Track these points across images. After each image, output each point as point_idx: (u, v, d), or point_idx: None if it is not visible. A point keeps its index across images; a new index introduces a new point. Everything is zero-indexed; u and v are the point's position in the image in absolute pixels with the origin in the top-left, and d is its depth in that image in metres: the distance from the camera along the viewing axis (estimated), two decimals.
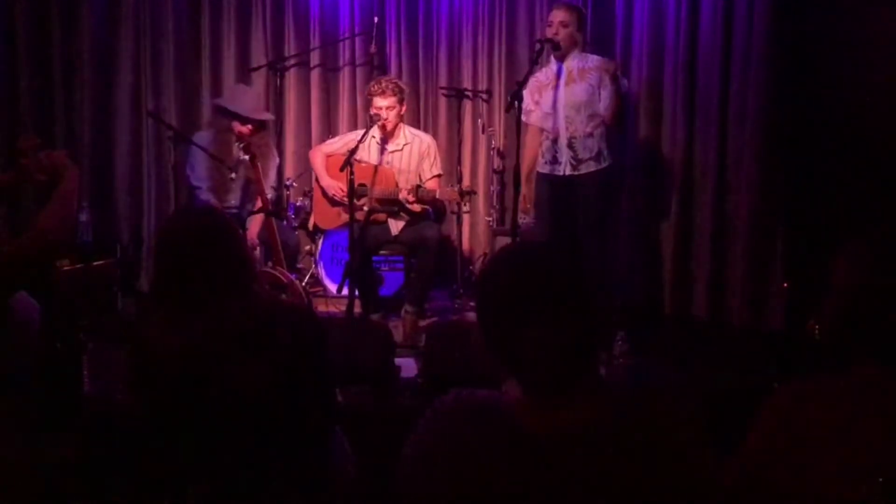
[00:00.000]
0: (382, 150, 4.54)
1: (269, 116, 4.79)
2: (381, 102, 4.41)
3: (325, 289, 4.94)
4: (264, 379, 1.80)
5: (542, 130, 4.24)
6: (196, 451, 1.83)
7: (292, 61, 5.45)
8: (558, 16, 4.07)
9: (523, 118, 4.24)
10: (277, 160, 4.90)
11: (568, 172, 4.12)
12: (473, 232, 5.52)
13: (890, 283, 1.36)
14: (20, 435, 2.08)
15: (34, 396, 2.20)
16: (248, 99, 4.66)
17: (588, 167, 4.10)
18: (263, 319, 1.86)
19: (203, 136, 4.62)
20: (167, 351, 1.82)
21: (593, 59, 4.11)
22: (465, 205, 4.76)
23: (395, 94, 4.41)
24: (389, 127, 4.45)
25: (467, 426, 1.27)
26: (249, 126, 4.45)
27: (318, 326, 1.98)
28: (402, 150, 4.55)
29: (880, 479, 1.25)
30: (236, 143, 4.45)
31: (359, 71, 5.50)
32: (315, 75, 5.53)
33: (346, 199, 4.22)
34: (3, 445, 2.04)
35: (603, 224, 4.19)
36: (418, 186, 4.38)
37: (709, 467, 1.26)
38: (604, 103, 4.06)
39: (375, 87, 4.45)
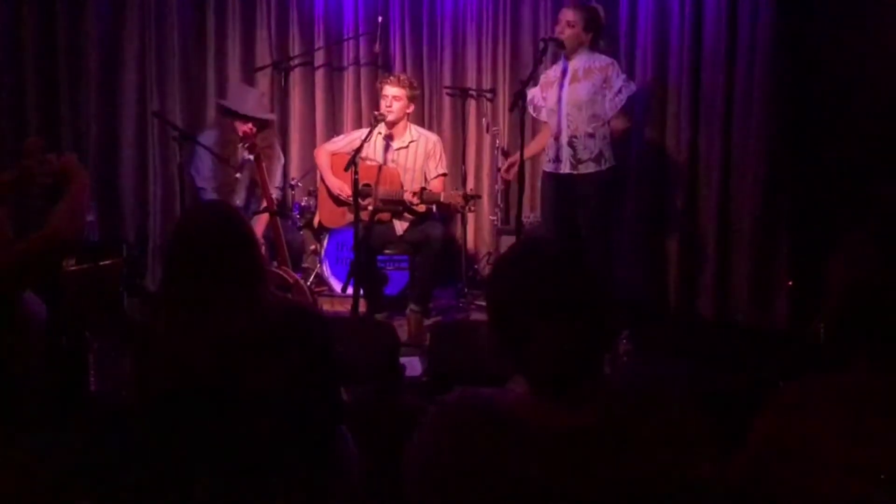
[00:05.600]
0: (387, 148, 4.55)
1: (271, 116, 4.80)
2: (390, 90, 4.42)
3: (329, 288, 4.95)
4: (272, 378, 1.81)
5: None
6: (202, 449, 1.84)
7: (297, 61, 5.46)
8: (566, 14, 4.09)
9: (534, 114, 4.28)
10: (283, 160, 4.92)
11: (568, 171, 4.13)
12: (478, 231, 5.52)
13: (887, 279, 1.36)
14: (26, 433, 2.09)
15: (40, 395, 2.21)
16: (250, 98, 4.68)
17: (587, 168, 4.10)
18: (272, 319, 1.87)
19: (207, 136, 4.65)
20: (175, 350, 1.83)
21: (600, 60, 4.10)
22: (469, 208, 4.76)
23: (403, 87, 4.43)
24: (391, 118, 4.44)
25: (473, 423, 1.27)
26: (251, 125, 4.46)
27: (325, 326, 1.99)
28: (407, 147, 4.56)
29: (882, 476, 1.25)
30: (241, 143, 4.46)
31: (363, 71, 5.51)
32: (319, 75, 5.54)
33: (350, 198, 4.23)
34: (9, 444, 2.05)
35: (603, 224, 4.18)
36: (423, 189, 4.39)
37: (713, 466, 1.26)
38: (609, 104, 4.07)
39: (389, 76, 4.52)
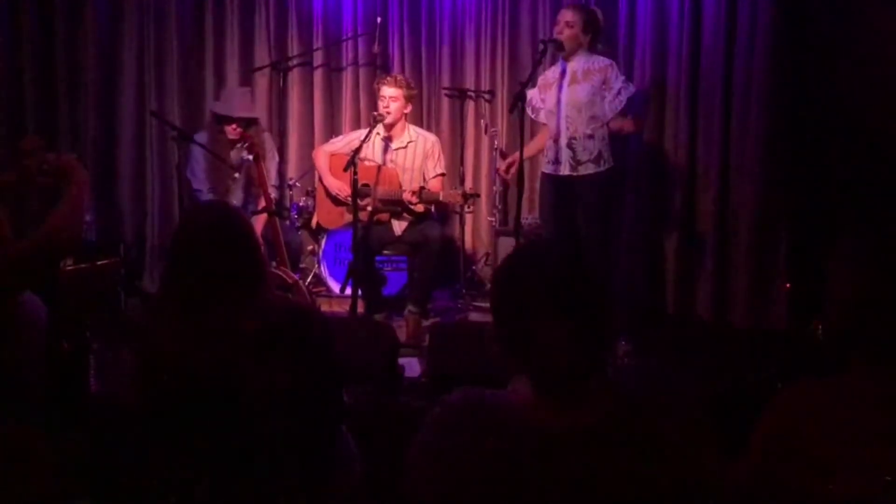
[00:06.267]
0: (386, 148, 4.55)
1: (252, 113, 4.74)
2: (387, 91, 4.43)
3: (328, 288, 4.95)
4: (273, 379, 1.80)
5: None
6: (202, 450, 1.84)
7: (295, 61, 5.46)
8: (565, 15, 4.09)
9: (532, 116, 4.28)
10: (277, 158, 4.91)
11: (567, 172, 4.14)
12: (476, 232, 5.52)
13: (887, 283, 1.36)
14: (26, 434, 2.09)
15: (40, 396, 2.21)
16: (234, 99, 4.68)
17: (587, 169, 4.11)
18: (273, 320, 1.87)
19: (199, 139, 4.63)
20: (175, 351, 1.83)
21: (599, 61, 4.11)
22: (468, 207, 4.77)
23: (401, 88, 4.44)
24: (389, 120, 4.45)
25: (476, 424, 1.28)
26: (234, 125, 4.44)
27: (326, 327, 1.98)
28: (406, 147, 4.56)
29: (888, 479, 1.25)
30: (239, 144, 4.46)
31: (362, 71, 5.50)
32: (318, 75, 5.54)
33: (349, 198, 4.23)
34: (9, 445, 2.04)
35: (602, 225, 4.19)
36: (422, 188, 4.39)
37: (714, 468, 1.26)
38: (608, 106, 4.07)
39: (386, 77, 4.53)
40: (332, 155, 4.63)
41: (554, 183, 4.20)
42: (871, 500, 1.27)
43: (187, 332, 1.85)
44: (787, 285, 4.52)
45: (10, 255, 2.11)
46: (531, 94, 4.27)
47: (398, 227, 4.56)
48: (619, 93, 4.06)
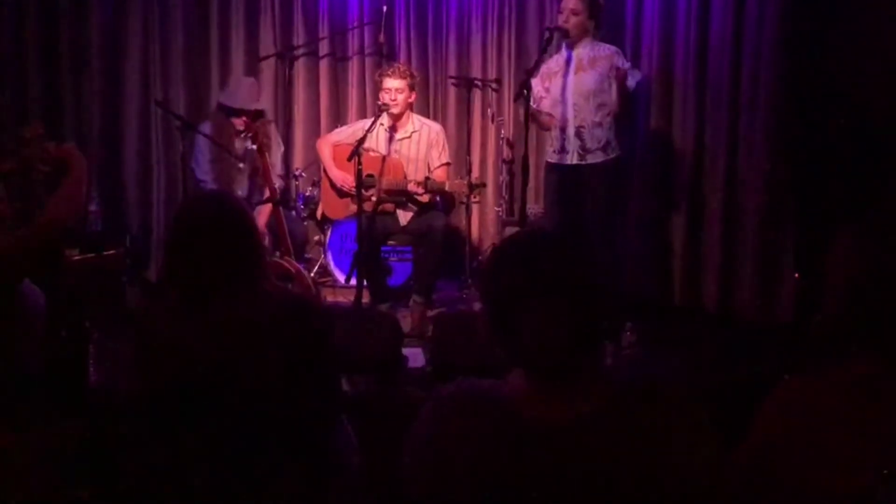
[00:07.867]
0: (391, 138, 4.54)
1: (259, 105, 4.74)
2: (390, 84, 4.41)
3: (333, 278, 4.95)
4: (270, 370, 1.80)
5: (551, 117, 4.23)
6: (201, 440, 1.83)
7: (301, 51, 5.45)
8: (570, 3, 4.05)
9: (534, 105, 4.24)
10: (282, 148, 4.91)
11: (575, 161, 4.11)
12: (482, 222, 5.51)
13: (886, 273, 1.34)
14: (25, 424, 2.09)
15: (39, 385, 2.21)
16: (241, 91, 4.67)
17: (595, 157, 4.08)
18: (270, 311, 1.86)
19: (204, 129, 4.62)
20: (174, 341, 1.83)
21: (605, 48, 4.08)
22: (474, 197, 4.75)
23: (405, 78, 4.42)
24: (396, 111, 4.43)
25: (468, 415, 1.27)
26: (244, 118, 4.44)
27: (323, 317, 1.98)
28: (410, 137, 4.54)
29: (885, 472, 1.23)
30: (242, 134, 4.45)
31: (368, 60, 5.49)
32: (324, 65, 5.53)
33: (354, 190, 4.22)
34: (8, 434, 2.05)
35: (610, 214, 4.16)
36: (427, 178, 4.38)
37: (713, 459, 1.25)
38: (613, 93, 4.04)
39: (387, 69, 4.49)
40: (336, 145, 4.63)
41: (560, 172, 4.18)
42: (870, 492, 1.25)
43: (185, 322, 1.85)
44: (796, 276, 4.48)
45: (10, 243, 2.11)
46: (533, 82, 4.23)
47: (403, 217, 4.55)
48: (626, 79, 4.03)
